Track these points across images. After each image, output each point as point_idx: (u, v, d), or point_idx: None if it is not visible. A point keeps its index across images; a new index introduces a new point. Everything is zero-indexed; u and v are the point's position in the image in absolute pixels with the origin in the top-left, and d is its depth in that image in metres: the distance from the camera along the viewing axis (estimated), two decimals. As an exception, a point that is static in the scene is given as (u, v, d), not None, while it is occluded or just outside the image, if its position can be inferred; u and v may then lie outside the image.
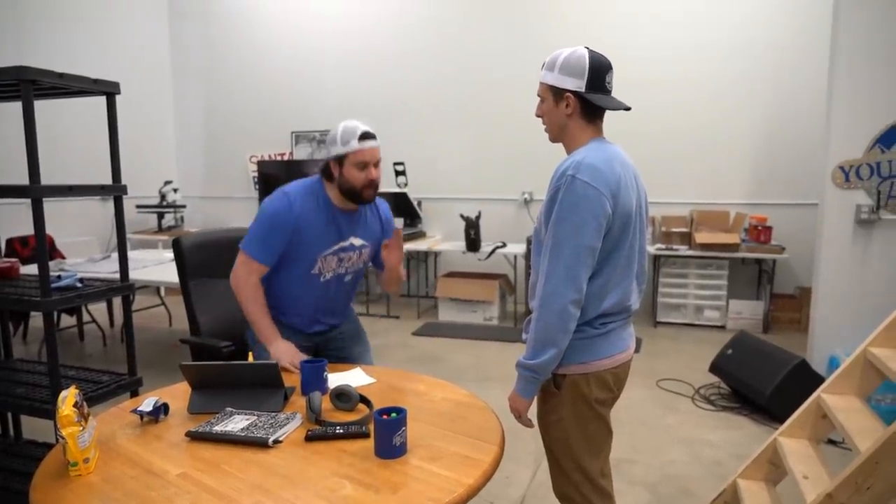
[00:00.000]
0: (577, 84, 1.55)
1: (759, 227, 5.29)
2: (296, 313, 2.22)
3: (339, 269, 2.20)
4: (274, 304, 2.18)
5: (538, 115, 1.65)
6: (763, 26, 5.47)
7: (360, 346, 2.40)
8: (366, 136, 2.06)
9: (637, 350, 4.77)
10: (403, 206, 6.15)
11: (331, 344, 2.33)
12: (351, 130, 2.05)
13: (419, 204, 6.39)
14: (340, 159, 2.06)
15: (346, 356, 2.34)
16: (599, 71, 1.55)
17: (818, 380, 3.14)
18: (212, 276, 2.52)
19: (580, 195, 1.46)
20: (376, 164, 2.10)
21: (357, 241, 2.21)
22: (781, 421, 2.43)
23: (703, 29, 5.63)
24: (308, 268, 2.13)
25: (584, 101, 1.57)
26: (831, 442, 3.05)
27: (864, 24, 3.59)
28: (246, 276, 2.10)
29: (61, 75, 2.16)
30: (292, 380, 1.85)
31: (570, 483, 1.67)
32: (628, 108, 1.59)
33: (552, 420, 1.65)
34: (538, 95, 1.64)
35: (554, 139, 1.66)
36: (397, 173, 6.23)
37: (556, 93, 1.58)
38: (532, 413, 1.70)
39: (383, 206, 2.34)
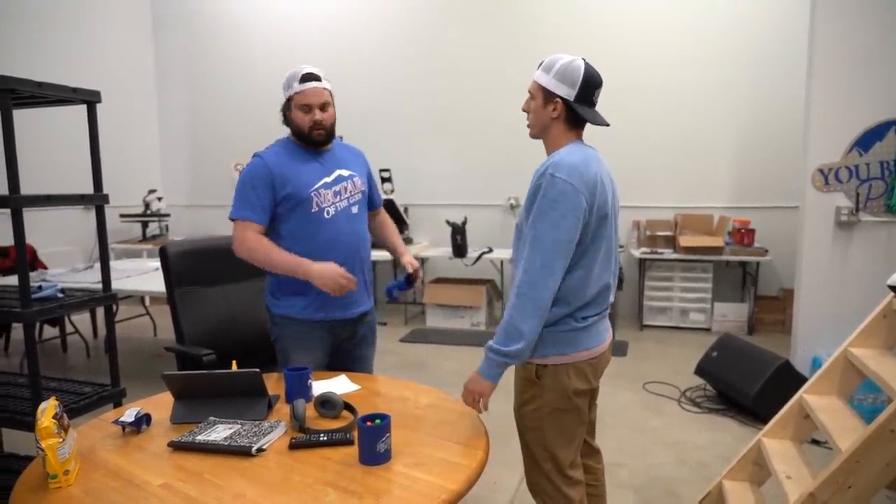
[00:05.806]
0: (568, 92, 1.64)
1: (743, 230, 5.34)
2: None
3: (338, 202, 2.12)
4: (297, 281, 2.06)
5: (524, 110, 1.73)
6: (744, 34, 5.54)
7: (372, 349, 2.36)
8: (307, 77, 2.04)
9: (623, 353, 4.79)
10: (390, 212, 6.08)
11: (356, 339, 2.26)
12: (294, 74, 2.05)
13: (405, 210, 6.39)
14: (288, 103, 2.08)
15: (362, 356, 2.30)
16: (590, 85, 1.65)
17: (802, 380, 3.16)
18: (198, 284, 2.50)
19: (559, 191, 1.54)
20: (322, 107, 2.06)
21: (345, 172, 2.17)
22: (766, 421, 2.45)
23: (686, 36, 5.69)
24: (307, 208, 2.06)
25: (570, 109, 1.65)
26: (815, 442, 3.07)
27: (839, 31, 3.65)
28: (246, 236, 2.03)
29: (40, 84, 2.15)
30: (276, 388, 1.84)
31: (542, 472, 1.73)
32: (608, 125, 1.68)
33: (529, 409, 1.70)
34: (529, 91, 1.71)
35: (534, 136, 1.75)
36: (383, 180, 6.22)
37: (547, 95, 1.66)
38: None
39: (355, 149, 2.32)
